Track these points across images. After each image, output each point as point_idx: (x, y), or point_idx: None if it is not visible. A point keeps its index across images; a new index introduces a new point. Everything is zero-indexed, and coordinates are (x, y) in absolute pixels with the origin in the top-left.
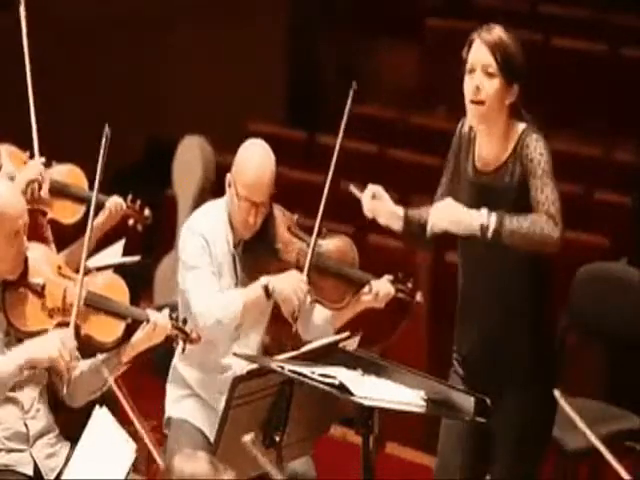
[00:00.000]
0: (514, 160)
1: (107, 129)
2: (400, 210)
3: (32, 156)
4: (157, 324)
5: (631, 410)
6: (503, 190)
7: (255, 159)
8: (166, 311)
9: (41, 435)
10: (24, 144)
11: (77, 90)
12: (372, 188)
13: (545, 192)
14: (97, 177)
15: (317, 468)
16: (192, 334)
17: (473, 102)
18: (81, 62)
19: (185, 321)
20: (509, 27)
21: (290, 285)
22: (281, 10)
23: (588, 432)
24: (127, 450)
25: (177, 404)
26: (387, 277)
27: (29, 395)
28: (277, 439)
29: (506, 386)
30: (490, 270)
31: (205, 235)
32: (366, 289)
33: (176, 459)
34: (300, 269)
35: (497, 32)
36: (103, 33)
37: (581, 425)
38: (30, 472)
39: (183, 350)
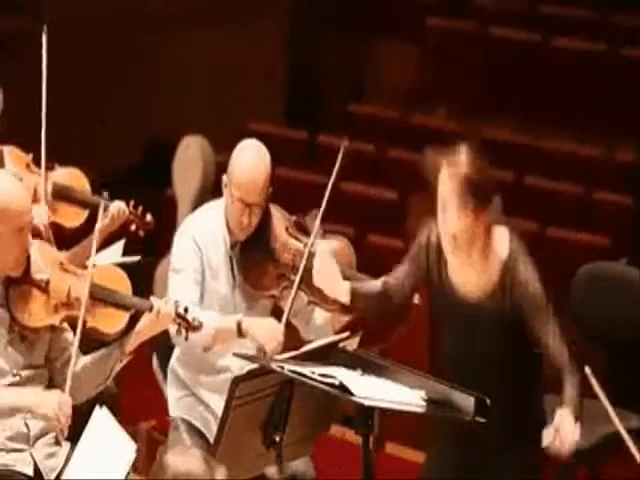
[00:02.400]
0: (502, 289)
1: None
2: (346, 284)
3: (36, 159)
4: (161, 311)
5: (631, 410)
6: (492, 316)
7: (249, 160)
8: (169, 299)
9: (41, 435)
10: (26, 145)
11: (77, 90)
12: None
13: (554, 335)
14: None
15: (317, 468)
16: (194, 322)
17: (450, 238)
18: (81, 62)
19: (187, 309)
20: (509, 27)
21: (265, 333)
22: (281, 10)
23: (616, 420)
24: (127, 450)
25: (176, 404)
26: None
27: None
28: (277, 439)
29: (493, 447)
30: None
31: (197, 237)
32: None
33: (169, 456)
34: (296, 270)
35: (462, 160)
36: (103, 33)
37: (611, 412)
38: (30, 472)
39: (186, 339)
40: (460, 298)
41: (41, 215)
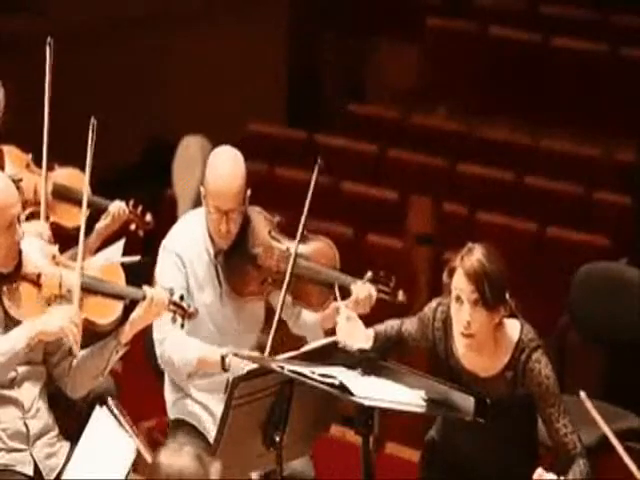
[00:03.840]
0: (513, 374)
1: (93, 120)
2: (370, 332)
3: (36, 159)
4: (154, 299)
5: (631, 410)
6: (501, 398)
7: (222, 168)
8: (162, 287)
9: (41, 435)
10: (26, 145)
11: (77, 90)
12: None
13: (566, 424)
14: (87, 169)
15: (317, 468)
16: (190, 309)
17: (463, 335)
18: (81, 62)
19: (182, 297)
20: (509, 27)
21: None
22: (281, 10)
23: (610, 435)
24: (127, 450)
25: (174, 406)
26: (368, 276)
27: (29, 394)
28: (277, 439)
29: None
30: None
31: (179, 252)
32: (348, 299)
33: (162, 455)
34: (280, 274)
35: (476, 257)
36: (103, 34)
37: (605, 428)
38: (30, 472)
39: (182, 326)
40: (466, 374)
41: (41, 233)
